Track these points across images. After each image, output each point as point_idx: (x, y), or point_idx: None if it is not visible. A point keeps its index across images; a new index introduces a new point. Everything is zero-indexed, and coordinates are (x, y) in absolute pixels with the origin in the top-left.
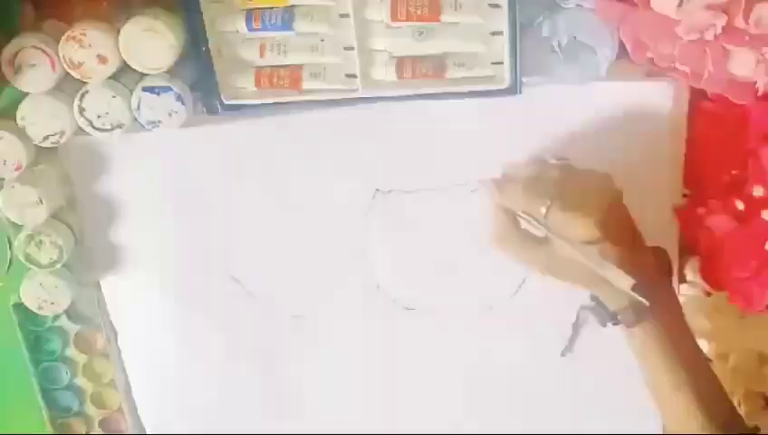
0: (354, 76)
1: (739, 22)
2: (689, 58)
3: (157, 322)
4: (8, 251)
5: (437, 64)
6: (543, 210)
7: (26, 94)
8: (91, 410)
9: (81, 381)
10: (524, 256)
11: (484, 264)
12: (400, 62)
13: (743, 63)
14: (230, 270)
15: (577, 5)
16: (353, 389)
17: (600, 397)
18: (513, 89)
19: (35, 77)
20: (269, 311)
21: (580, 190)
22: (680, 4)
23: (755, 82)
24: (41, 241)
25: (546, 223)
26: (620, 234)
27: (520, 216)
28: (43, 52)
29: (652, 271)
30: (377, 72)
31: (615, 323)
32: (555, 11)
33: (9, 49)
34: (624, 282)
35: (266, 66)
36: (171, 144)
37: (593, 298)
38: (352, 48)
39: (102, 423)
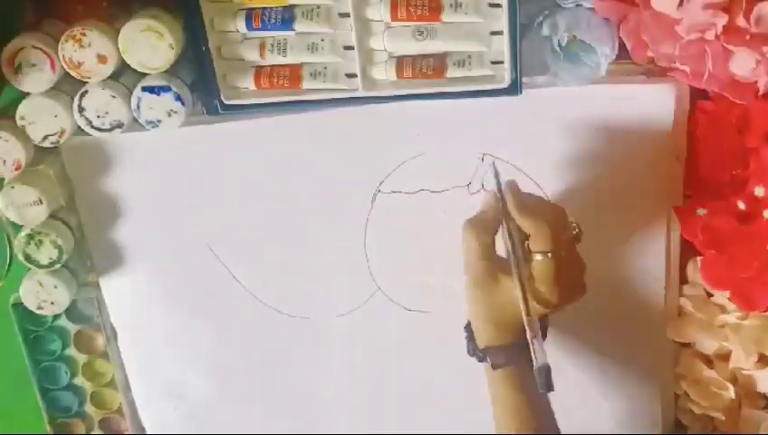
0: (354, 76)
1: (740, 21)
2: (690, 57)
3: (157, 322)
4: (8, 251)
5: (437, 64)
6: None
7: (26, 94)
8: (90, 410)
9: (80, 381)
10: (473, 252)
11: None
12: (400, 62)
13: (743, 63)
14: (230, 270)
15: (577, 5)
16: (354, 389)
17: (596, 396)
18: (514, 88)
19: (35, 77)
20: (269, 311)
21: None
22: (681, 4)
23: (756, 82)
24: (40, 241)
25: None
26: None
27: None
28: (43, 51)
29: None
30: (377, 71)
31: (480, 360)
32: (555, 10)
33: (9, 48)
34: (539, 358)
35: (266, 66)
36: (171, 144)
37: (467, 329)
38: (352, 48)
39: (102, 423)
